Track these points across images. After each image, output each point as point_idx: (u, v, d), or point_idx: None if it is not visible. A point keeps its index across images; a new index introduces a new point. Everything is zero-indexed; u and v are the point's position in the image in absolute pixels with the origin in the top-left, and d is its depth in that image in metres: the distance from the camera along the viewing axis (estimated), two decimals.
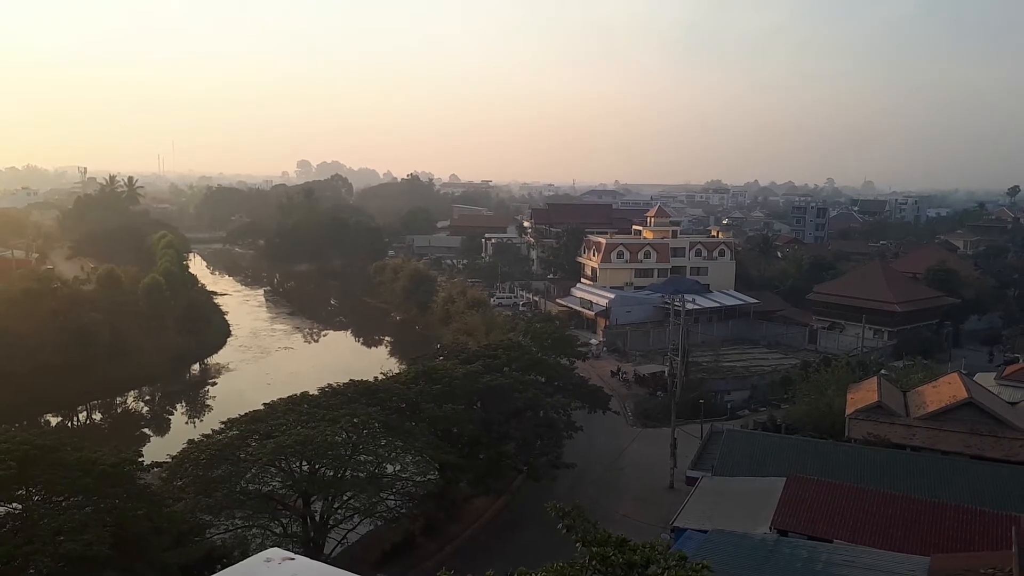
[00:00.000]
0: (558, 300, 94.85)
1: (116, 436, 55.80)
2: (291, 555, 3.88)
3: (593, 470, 46.94)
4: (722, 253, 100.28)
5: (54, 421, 61.42)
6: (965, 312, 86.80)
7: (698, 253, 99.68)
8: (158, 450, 40.69)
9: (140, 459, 31.67)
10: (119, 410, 68.04)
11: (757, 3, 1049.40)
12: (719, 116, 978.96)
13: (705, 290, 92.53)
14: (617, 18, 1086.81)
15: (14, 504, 26.69)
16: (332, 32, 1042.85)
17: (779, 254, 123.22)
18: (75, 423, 62.92)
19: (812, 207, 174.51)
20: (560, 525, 10.98)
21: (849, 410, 42.15)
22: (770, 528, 26.66)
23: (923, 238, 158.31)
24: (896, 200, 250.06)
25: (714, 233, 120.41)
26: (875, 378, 46.56)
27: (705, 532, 25.11)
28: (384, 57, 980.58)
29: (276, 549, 4.00)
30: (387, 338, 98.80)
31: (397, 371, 50.27)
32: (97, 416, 66.00)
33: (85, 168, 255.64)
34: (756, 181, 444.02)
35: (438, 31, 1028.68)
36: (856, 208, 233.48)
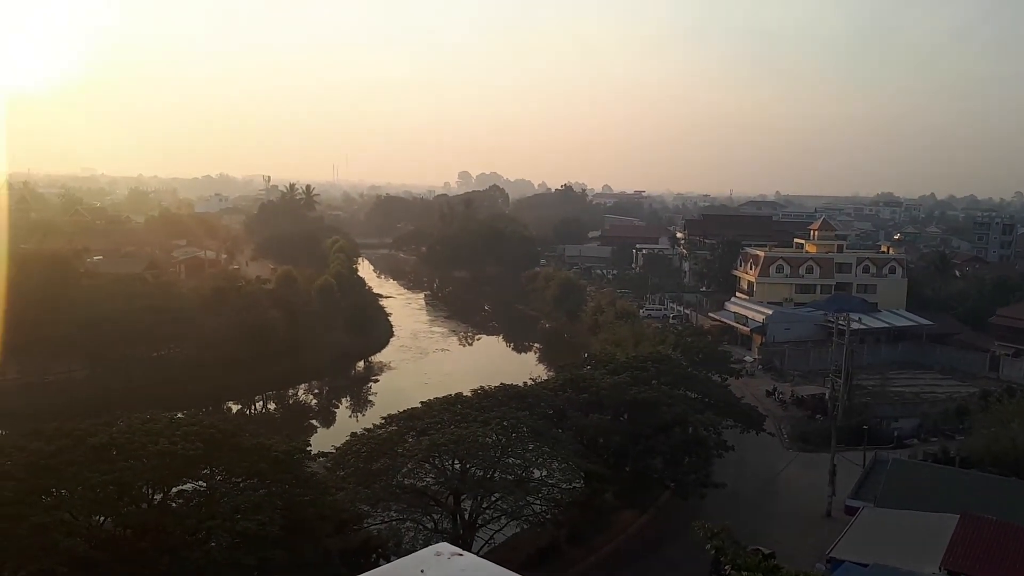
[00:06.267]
0: (711, 314, 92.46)
1: (287, 425, 60.18)
2: (460, 551, 4.18)
3: (744, 492, 45.36)
4: (892, 270, 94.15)
5: (235, 408, 67.09)
6: None
7: (866, 269, 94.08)
8: (324, 441, 43.37)
9: (308, 448, 33.74)
10: (291, 401, 73.34)
11: (934, 6, 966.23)
12: (891, 125, 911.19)
13: (873, 309, 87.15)
14: (781, 24, 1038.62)
15: (200, 482, 29.45)
16: (491, 45, 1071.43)
17: (957, 273, 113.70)
18: (252, 411, 68.46)
19: (997, 223, 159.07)
20: (708, 546, 10.93)
21: None
22: (940, 568, 24.87)
23: None
24: None
25: (884, 249, 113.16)
26: None
27: (865, 566, 23.83)
28: (542, 69, 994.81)
29: (445, 544, 4.29)
30: (536, 345, 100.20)
31: (545, 378, 51.01)
32: (271, 406, 71.52)
33: (269, 177, 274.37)
34: (932, 194, 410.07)
35: (593, 39, 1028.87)
36: None
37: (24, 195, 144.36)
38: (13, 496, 24.53)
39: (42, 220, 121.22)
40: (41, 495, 26.00)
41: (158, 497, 28.16)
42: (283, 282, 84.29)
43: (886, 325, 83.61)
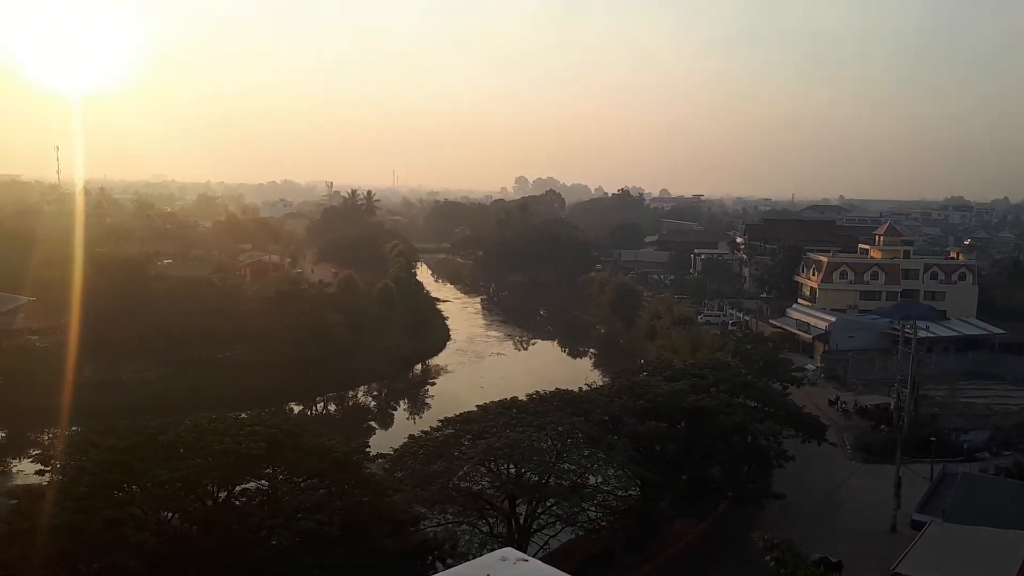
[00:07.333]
0: (771, 321, 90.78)
1: (347, 426, 61.37)
2: (525, 556, 4.28)
3: (804, 503, 44.40)
4: (962, 277, 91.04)
5: (296, 409, 68.62)
6: None
7: (934, 276, 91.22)
8: (382, 442, 44.04)
9: (367, 449, 34.16)
10: (350, 403, 74.74)
11: (1003, 5, 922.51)
12: (960, 126, 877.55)
13: (941, 317, 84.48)
14: (843, 25, 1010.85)
15: (263, 481, 30.14)
16: (547, 50, 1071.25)
17: None
18: (313, 411, 70.00)
19: None
20: (768, 557, 10.82)
21: None
22: None
23: None
24: None
25: (953, 255, 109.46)
26: None
27: None
28: (599, 74, 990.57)
29: (510, 549, 4.40)
30: (591, 350, 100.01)
31: (601, 383, 50.78)
32: (332, 407, 72.98)
33: (331, 182, 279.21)
34: (1006, 198, 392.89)
35: (650, 42, 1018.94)
36: None
37: (100, 201, 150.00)
38: (88, 491, 25.57)
39: (117, 225, 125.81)
40: (113, 490, 27.02)
41: (223, 495, 28.93)
42: (344, 286, 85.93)
43: (955, 334, 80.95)
